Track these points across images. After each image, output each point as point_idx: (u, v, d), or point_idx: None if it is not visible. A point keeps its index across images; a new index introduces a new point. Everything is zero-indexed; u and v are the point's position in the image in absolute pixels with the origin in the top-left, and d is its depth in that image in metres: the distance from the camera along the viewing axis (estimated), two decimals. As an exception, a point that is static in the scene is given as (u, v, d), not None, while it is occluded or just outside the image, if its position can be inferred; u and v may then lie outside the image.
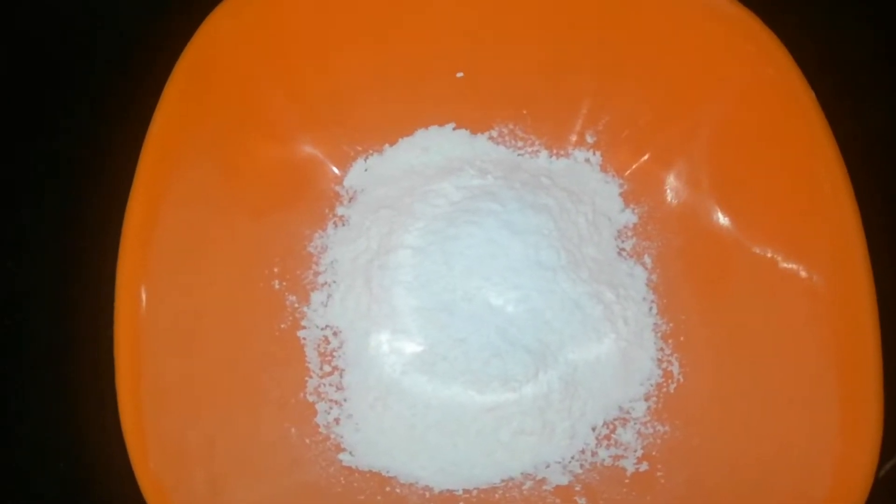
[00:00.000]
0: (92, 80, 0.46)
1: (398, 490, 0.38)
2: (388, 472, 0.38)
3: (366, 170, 0.44)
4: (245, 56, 0.38)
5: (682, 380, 0.39)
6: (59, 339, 0.42)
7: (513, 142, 0.44)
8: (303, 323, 0.41)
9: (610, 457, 0.39)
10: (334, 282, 0.42)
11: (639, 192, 0.43)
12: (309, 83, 0.41)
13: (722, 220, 0.39)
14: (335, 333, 0.41)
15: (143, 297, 0.33)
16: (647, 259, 0.42)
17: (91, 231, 0.42)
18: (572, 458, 0.39)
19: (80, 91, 0.46)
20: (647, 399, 0.40)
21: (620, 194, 0.43)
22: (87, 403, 0.39)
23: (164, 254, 0.35)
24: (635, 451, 0.39)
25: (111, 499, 0.39)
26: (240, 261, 0.39)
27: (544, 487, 0.38)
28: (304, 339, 0.41)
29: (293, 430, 0.38)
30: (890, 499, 0.38)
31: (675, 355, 0.40)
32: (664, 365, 0.40)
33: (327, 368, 0.40)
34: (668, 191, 0.42)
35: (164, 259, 0.35)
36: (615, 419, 0.40)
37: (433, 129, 0.44)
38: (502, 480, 0.38)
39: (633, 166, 0.43)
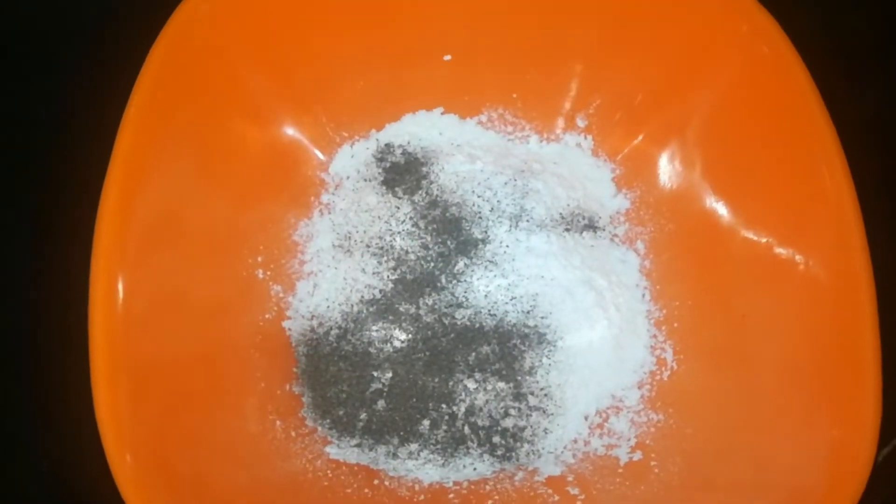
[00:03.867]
0: (65, 61, 0.45)
1: (387, 483, 0.37)
2: (376, 464, 0.38)
3: (352, 156, 0.43)
4: (226, 36, 0.37)
5: (675, 367, 0.39)
6: (35, 331, 0.41)
7: (502, 126, 0.44)
8: (288, 313, 0.40)
9: (603, 446, 0.38)
10: (320, 271, 0.41)
11: (631, 176, 0.42)
12: (292, 65, 0.40)
13: (716, 204, 0.39)
14: (322, 323, 0.40)
15: (120, 286, 0.32)
16: (639, 245, 0.42)
17: (65, 220, 0.41)
18: (564, 447, 0.38)
19: (53, 71, 0.45)
20: (640, 387, 0.39)
21: (613, 179, 0.43)
22: (65, 397, 0.38)
23: (142, 242, 0.34)
24: (629, 440, 0.38)
25: (94, 493, 0.39)
26: (222, 249, 0.38)
27: (536, 478, 0.38)
28: (290, 329, 0.40)
29: (278, 422, 0.37)
30: (888, 483, 0.38)
31: (669, 342, 0.40)
32: (657, 352, 0.40)
33: (314, 359, 0.39)
34: (662, 175, 0.41)
35: (142, 247, 0.34)
36: (608, 408, 0.39)
37: (421, 113, 0.43)
38: (493, 472, 0.38)
39: (626, 150, 0.42)
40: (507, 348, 0.38)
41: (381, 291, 0.39)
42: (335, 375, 0.38)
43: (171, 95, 0.35)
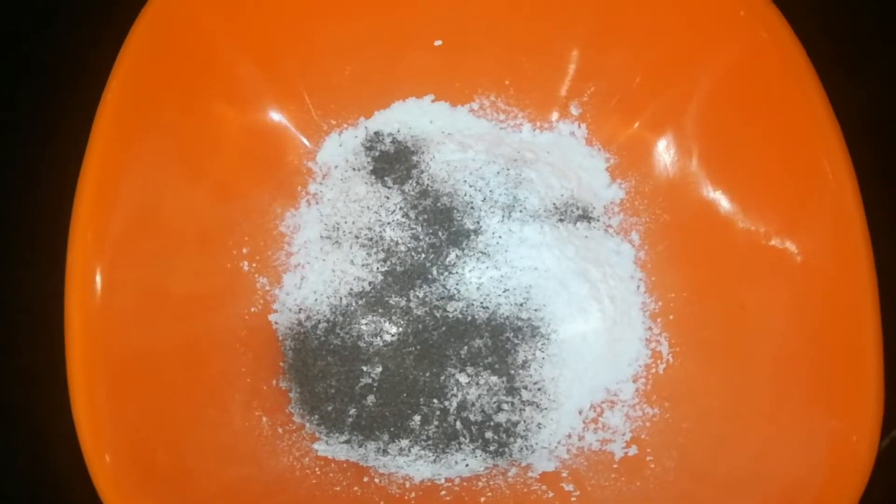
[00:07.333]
0: (40, 42, 0.44)
1: (377, 480, 0.37)
2: (365, 461, 0.37)
3: (340, 145, 0.42)
4: (208, 16, 0.36)
5: (671, 360, 0.38)
6: (11, 325, 0.40)
7: (495, 114, 0.43)
8: (275, 306, 0.39)
9: (597, 441, 0.38)
10: (308, 263, 0.40)
11: (626, 166, 0.42)
12: (278, 48, 0.39)
13: (713, 194, 0.38)
14: (309, 317, 0.39)
15: (98, 278, 0.31)
16: (634, 236, 0.41)
17: (42, 209, 0.40)
18: (558, 443, 0.38)
19: (27, 53, 0.44)
20: (635, 380, 0.39)
21: (607, 168, 0.42)
22: (43, 393, 0.37)
23: (121, 232, 0.33)
24: (623, 434, 0.38)
25: (72, 491, 0.37)
26: (205, 240, 0.37)
27: (530, 474, 0.37)
28: (277, 322, 0.39)
29: (265, 419, 0.37)
30: (885, 478, 0.37)
31: (664, 335, 0.39)
32: (652, 345, 0.39)
33: (302, 353, 0.38)
34: (657, 164, 0.40)
35: (121, 238, 0.33)
36: (602, 402, 0.39)
37: (411, 101, 0.42)
38: (485, 468, 0.37)
39: (620, 139, 0.41)
40: (499, 341, 0.38)
41: (370, 284, 0.39)
42: (323, 370, 0.38)
43: (150, 79, 0.34)
